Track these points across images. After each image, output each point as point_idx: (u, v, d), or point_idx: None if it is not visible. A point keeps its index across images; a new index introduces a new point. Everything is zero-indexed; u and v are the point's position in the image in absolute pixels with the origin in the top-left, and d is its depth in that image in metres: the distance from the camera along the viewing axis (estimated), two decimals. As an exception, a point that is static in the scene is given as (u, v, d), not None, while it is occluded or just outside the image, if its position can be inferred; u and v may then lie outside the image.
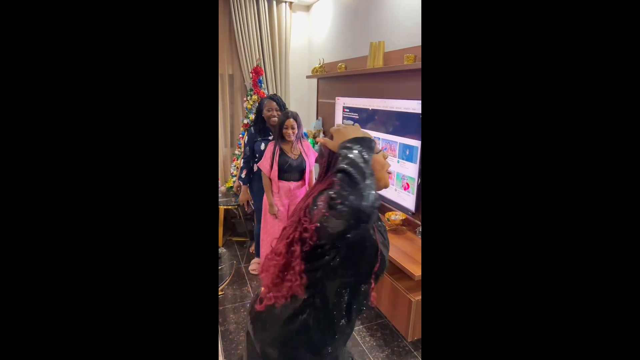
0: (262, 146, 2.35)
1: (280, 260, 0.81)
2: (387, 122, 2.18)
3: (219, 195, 3.01)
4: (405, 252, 1.83)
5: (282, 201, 2.27)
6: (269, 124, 2.37)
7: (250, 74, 3.05)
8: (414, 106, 1.91)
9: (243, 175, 2.47)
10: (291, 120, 2.14)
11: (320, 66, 2.97)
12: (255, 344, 0.91)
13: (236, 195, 2.93)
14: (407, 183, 2.04)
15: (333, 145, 0.82)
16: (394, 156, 2.12)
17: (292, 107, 3.47)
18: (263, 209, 2.34)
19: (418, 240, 1.99)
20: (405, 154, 2.02)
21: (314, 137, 3.19)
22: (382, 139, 2.21)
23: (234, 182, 3.04)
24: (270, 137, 2.39)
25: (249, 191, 2.57)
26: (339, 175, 0.68)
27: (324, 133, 3.18)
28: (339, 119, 2.74)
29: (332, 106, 2.88)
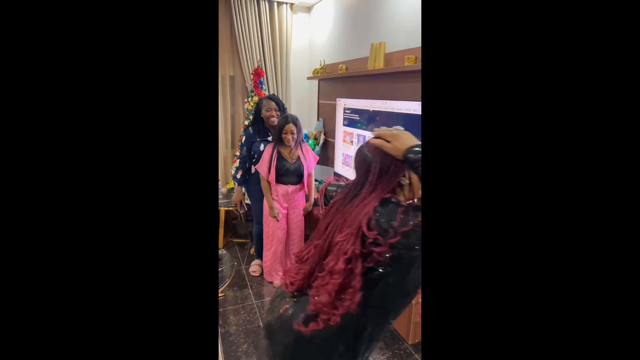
0: (261, 147, 2.33)
1: (338, 279, 0.74)
2: (388, 124, 2.18)
3: (220, 196, 3.00)
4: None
5: (281, 204, 2.27)
6: (268, 124, 2.35)
7: (251, 76, 3.06)
8: (415, 107, 1.91)
9: (238, 176, 2.44)
10: (291, 125, 2.12)
11: (321, 67, 2.97)
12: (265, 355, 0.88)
13: (236, 196, 2.94)
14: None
15: (394, 149, 0.77)
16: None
17: (292, 108, 3.47)
18: (264, 212, 2.34)
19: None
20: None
21: (315, 138, 3.19)
22: (383, 140, 2.21)
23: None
24: (270, 138, 2.38)
25: (242, 192, 2.54)
26: None
27: (324, 134, 3.18)
28: (339, 120, 2.73)
29: (333, 107, 2.88)
